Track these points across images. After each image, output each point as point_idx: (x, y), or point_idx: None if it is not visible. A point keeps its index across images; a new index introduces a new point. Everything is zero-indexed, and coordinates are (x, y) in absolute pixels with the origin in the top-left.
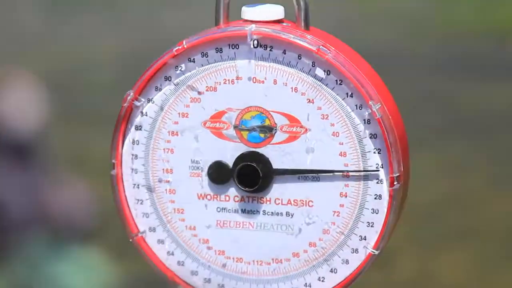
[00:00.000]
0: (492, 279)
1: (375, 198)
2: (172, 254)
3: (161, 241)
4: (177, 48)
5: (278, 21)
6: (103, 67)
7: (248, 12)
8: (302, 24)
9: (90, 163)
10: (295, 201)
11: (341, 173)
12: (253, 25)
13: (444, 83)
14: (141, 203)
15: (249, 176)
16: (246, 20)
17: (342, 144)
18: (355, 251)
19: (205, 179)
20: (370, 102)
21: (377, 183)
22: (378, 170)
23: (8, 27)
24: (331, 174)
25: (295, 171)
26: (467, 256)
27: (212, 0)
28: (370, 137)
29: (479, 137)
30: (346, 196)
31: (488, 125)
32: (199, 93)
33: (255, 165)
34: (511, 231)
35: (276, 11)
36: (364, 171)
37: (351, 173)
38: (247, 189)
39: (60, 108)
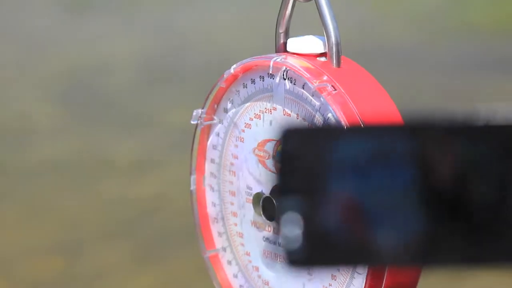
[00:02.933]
0: None
1: None
2: (236, 277)
3: (229, 262)
4: (228, 74)
5: (320, 55)
6: (120, 68)
7: (289, 44)
8: (334, 61)
9: (112, 164)
10: None
11: None
12: (280, 57)
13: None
14: (216, 222)
15: (273, 208)
16: (290, 52)
17: None
18: None
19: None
20: None
21: None
22: None
23: (23, 28)
24: None
25: None
26: None
27: (227, 2)
28: None
29: None
30: None
31: None
32: (250, 118)
33: (272, 198)
34: None
35: (314, 44)
36: None
37: None
38: (268, 220)
39: (77, 109)
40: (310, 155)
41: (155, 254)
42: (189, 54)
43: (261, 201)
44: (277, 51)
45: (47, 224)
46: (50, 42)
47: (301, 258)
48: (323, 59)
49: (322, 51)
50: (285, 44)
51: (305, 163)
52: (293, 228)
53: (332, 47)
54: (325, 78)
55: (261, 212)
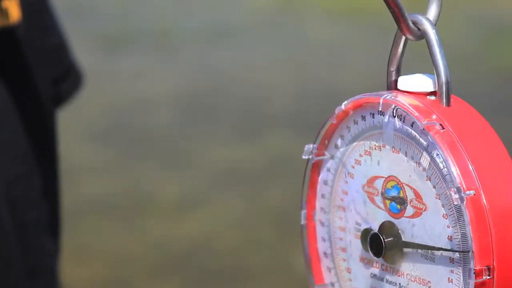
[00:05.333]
0: None
1: None
2: None
3: None
4: (339, 110)
5: (430, 93)
6: (160, 107)
7: (400, 82)
8: (444, 100)
9: (156, 202)
10: (419, 279)
11: (448, 257)
12: (390, 95)
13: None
14: (326, 257)
15: (380, 245)
16: (401, 90)
17: (449, 227)
18: None
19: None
20: (454, 188)
21: (471, 272)
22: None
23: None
24: (440, 253)
25: (412, 245)
26: None
27: (263, 41)
28: (470, 223)
29: None
30: (452, 283)
31: None
32: (360, 155)
33: (380, 236)
34: None
35: (424, 83)
36: (464, 257)
37: (455, 257)
38: (375, 257)
39: (120, 148)
40: None
41: None
42: (229, 92)
43: (368, 237)
44: (388, 88)
45: (95, 263)
46: (91, 81)
47: None
48: (433, 97)
49: (432, 89)
50: (396, 82)
51: None
52: None
53: (442, 86)
54: (434, 117)
55: (368, 249)
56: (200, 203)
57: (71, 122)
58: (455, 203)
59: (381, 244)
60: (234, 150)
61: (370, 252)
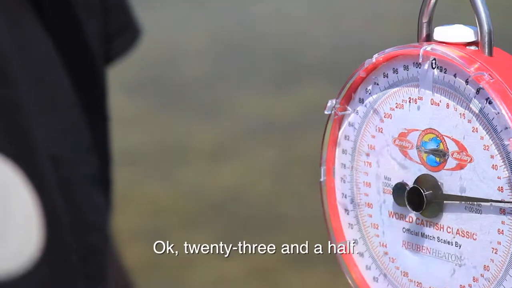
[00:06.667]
0: None
1: None
2: (369, 268)
3: (361, 254)
4: (369, 62)
5: (467, 44)
6: (192, 58)
7: (437, 33)
8: (486, 50)
9: (191, 152)
10: (463, 232)
11: (499, 208)
12: (429, 46)
13: None
14: (348, 214)
15: (419, 198)
16: (437, 41)
17: (500, 178)
18: None
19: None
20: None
21: None
22: None
23: None
24: (489, 204)
25: (459, 197)
26: None
27: None
28: None
29: None
30: (503, 234)
31: None
32: (391, 108)
33: (420, 189)
34: None
35: (464, 33)
36: None
37: (506, 208)
38: (415, 211)
39: (153, 99)
40: None
41: (238, 243)
42: (265, 43)
43: (406, 192)
44: (419, 40)
45: (129, 213)
46: None
47: None
48: (473, 47)
49: (472, 39)
50: (428, 34)
51: None
52: None
53: (485, 36)
54: (478, 65)
55: (406, 203)
56: (235, 153)
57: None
58: None
59: (421, 198)
60: (269, 101)
61: (408, 206)
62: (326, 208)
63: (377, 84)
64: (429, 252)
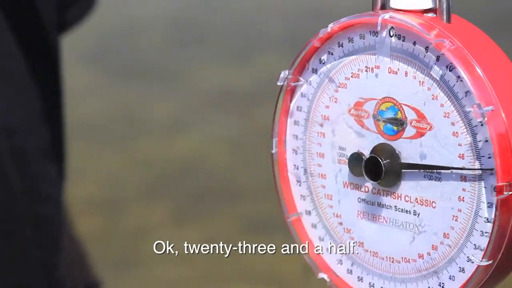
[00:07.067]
0: None
1: (488, 206)
2: (323, 240)
3: (314, 226)
4: (324, 32)
5: (425, 11)
6: (150, 29)
7: (393, 0)
8: (444, 16)
9: (147, 124)
10: (421, 200)
11: (459, 176)
12: (387, 14)
13: None
14: (299, 185)
15: (377, 168)
16: (394, 9)
17: (461, 145)
18: (470, 260)
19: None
20: (476, 104)
21: (489, 190)
22: (491, 175)
23: None
24: (450, 171)
25: (418, 166)
26: None
27: None
28: (485, 141)
29: None
30: (463, 201)
31: None
32: (346, 78)
33: (378, 158)
34: None
35: (422, 0)
36: (478, 174)
37: (467, 175)
38: (373, 181)
39: (109, 70)
40: None
41: (196, 211)
42: (220, 14)
43: (364, 161)
44: (374, 9)
45: (85, 185)
46: None
47: None
48: (430, 14)
49: (430, 6)
50: (383, 3)
51: None
52: None
53: (443, 2)
54: (437, 31)
55: (364, 173)
56: (192, 124)
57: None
58: (478, 119)
59: (379, 167)
60: (227, 71)
61: (365, 176)
62: (277, 180)
63: (332, 54)
64: (386, 222)
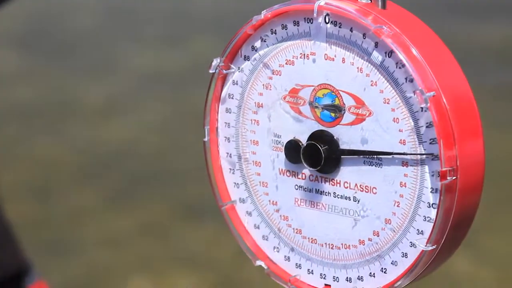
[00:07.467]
0: None
1: (431, 192)
2: (258, 227)
3: (249, 213)
4: (257, 19)
5: None
6: (82, 12)
7: None
8: (379, 3)
9: (80, 108)
10: (361, 186)
11: (401, 161)
12: (323, 0)
13: None
14: (233, 173)
15: (317, 155)
16: None
17: (402, 131)
18: (413, 245)
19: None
20: (418, 90)
21: (432, 175)
22: (433, 160)
23: None
24: (391, 157)
25: (358, 152)
26: None
27: None
28: (427, 126)
29: None
30: (405, 186)
31: None
32: (280, 65)
33: (317, 145)
34: None
35: None
36: (421, 160)
37: (409, 160)
38: (312, 168)
39: (40, 54)
40: None
41: (129, 197)
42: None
43: (302, 148)
44: None
45: (19, 168)
46: None
47: None
48: (364, 1)
49: None
50: None
51: None
52: None
53: None
54: (373, 17)
55: (302, 160)
56: (124, 108)
57: None
58: (421, 105)
59: (318, 154)
60: (159, 56)
61: (304, 163)
62: (210, 168)
63: (265, 41)
64: (325, 208)
